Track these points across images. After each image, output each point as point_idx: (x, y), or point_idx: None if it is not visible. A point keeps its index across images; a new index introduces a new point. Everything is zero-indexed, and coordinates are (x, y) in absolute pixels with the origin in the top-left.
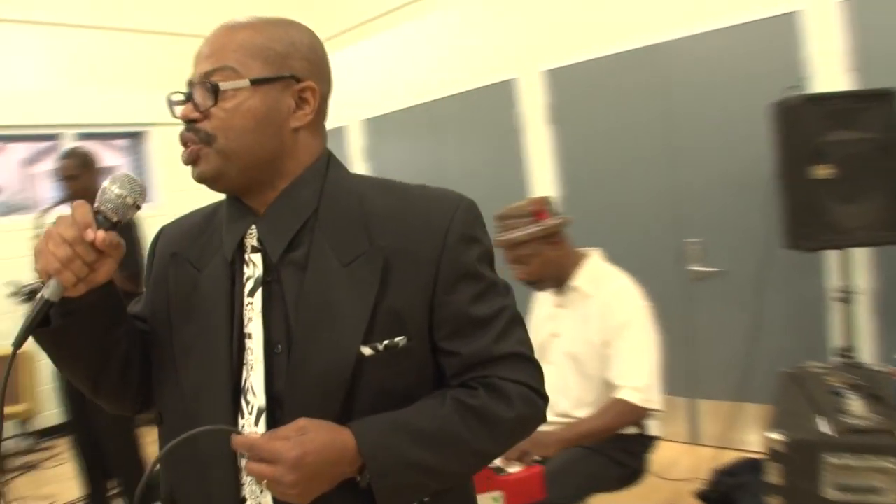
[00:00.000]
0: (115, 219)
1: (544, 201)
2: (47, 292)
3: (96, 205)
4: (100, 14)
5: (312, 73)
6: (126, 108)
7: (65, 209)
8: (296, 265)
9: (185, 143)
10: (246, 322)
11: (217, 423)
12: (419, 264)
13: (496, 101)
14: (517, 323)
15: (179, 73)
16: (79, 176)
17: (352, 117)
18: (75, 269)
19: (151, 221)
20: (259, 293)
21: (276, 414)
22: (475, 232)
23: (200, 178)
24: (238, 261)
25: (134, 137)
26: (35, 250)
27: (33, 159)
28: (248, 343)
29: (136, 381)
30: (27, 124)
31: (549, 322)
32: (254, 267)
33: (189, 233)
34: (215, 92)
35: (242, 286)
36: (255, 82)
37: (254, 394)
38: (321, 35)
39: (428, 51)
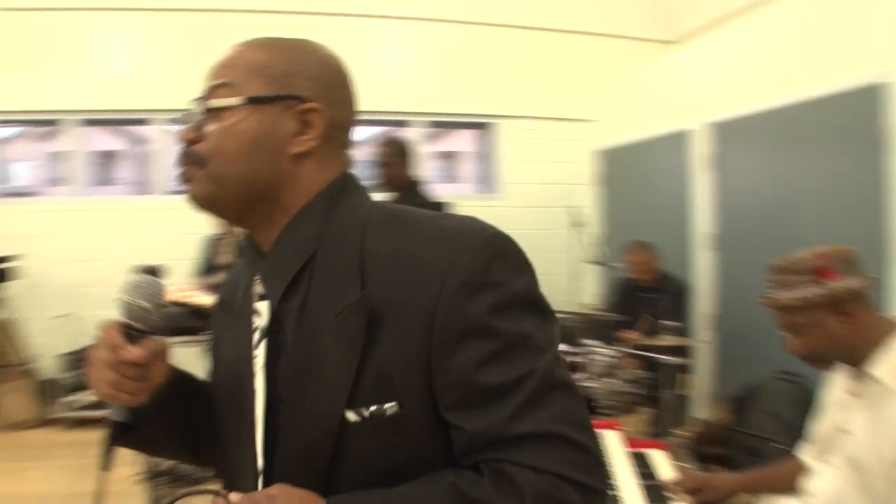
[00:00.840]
0: (143, 328)
1: (836, 255)
2: (112, 415)
3: (124, 319)
4: (457, 8)
5: (321, 95)
6: (475, 99)
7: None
8: (295, 314)
9: (180, 164)
10: (254, 376)
11: (246, 482)
12: (410, 317)
13: (857, 108)
14: (555, 391)
15: (529, 66)
16: (393, 164)
17: (696, 120)
18: (126, 388)
19: (496, 213)
20: (263, 345)
21: (270, 475)
22: (489, 275)
23: (192, 202)
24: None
25: (482, 128)
26: (88, 376)
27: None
28: (255, 400)
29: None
30: (379, 110)
31: (838, 410)
32: (259, 316)
33: (235, 280)
34: (206, 109)
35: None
36: (252, 101)
37: (258, 455)
38: (663, 32)
39: (786, 46)
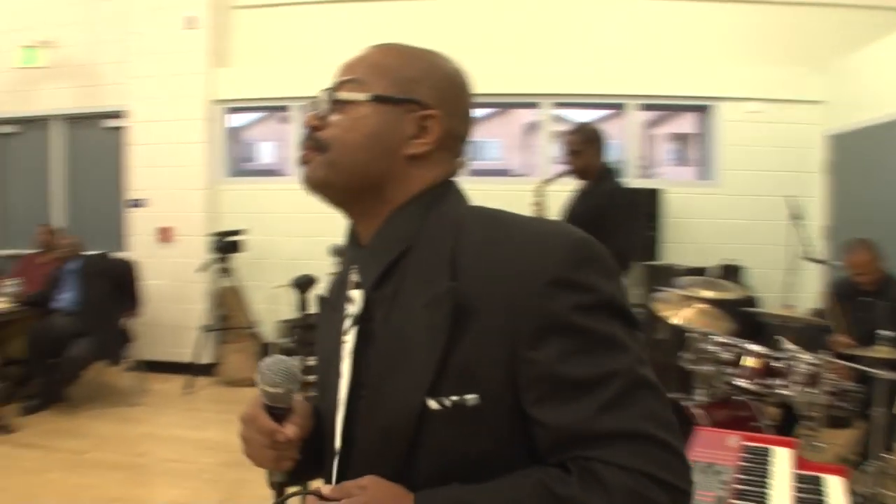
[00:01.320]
0: (286, 406)
1: None
2: (277, 478)
3: (264, 401)
4: None
5: (441, 104)
6: (694, 80)
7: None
8: (386, 302)
9: (302, 147)
10: (341, 360)
11: (329, 456)
12: (497, 311)
13: None
14: (642, 390)
15: (752, 43)
16: (581, 152)
17: None
18: (288, 457)
19: (710, 200)
20: (353, 332)
21: (347, 460)
22: (579, 276)
23: (305, 183)
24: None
25: (700, 111)
26: (246, 453)
27: (653, 123)
28: (341, 383)
29: None
30: (595, 93)
31: None
32: (353, 304)
33: (339, 278)
34: (333, 100)
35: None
36: (376, 98)
37: (336, 436)
38: None
39: None
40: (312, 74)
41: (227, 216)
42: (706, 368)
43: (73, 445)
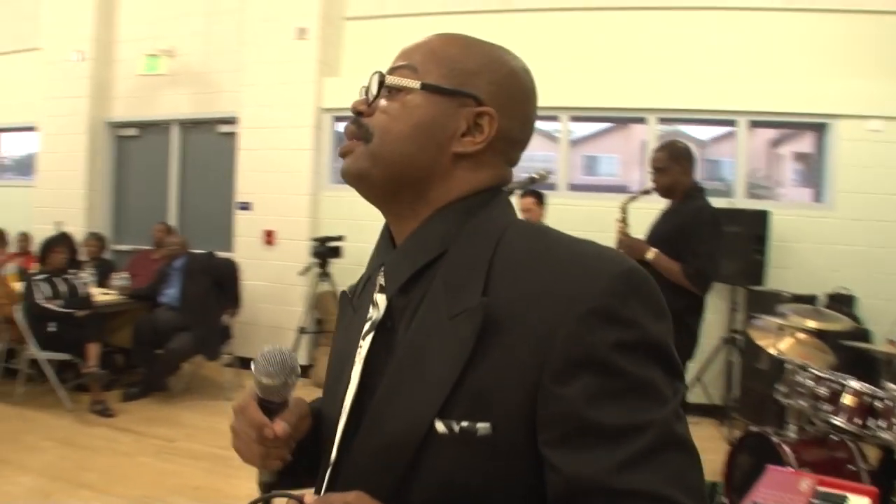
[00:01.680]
0: (280, 400)
1: None
2: (264, 477)
3: (257, 393)
4: None
5: (498, 102)
6: (808, 97)
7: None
8: (410, 309)
9: (346, 134)
10: (352, 366)
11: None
12: (528, 335)
13: None
14: (672, 450)
15: (875, 56)
16: (667, 169)
17: None
18: (275, 455)
19: (822, 223)
20: (370, 337)
21: (340, 471)
22: (624, 309)
23: (345, 174)
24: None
25: (817, 129)
26: (234, 446)
27: (777, 141)
28: (348, 390)
29: None
30: (705, 108)
31: None
32: (375, 309)
33: (363, 276)
34: (381, 84)
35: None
36: (428, 87)
37: (334, 446)
38: None
39: None
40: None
41: (328, 222)
42: (801, 403)
43: (165, 433)
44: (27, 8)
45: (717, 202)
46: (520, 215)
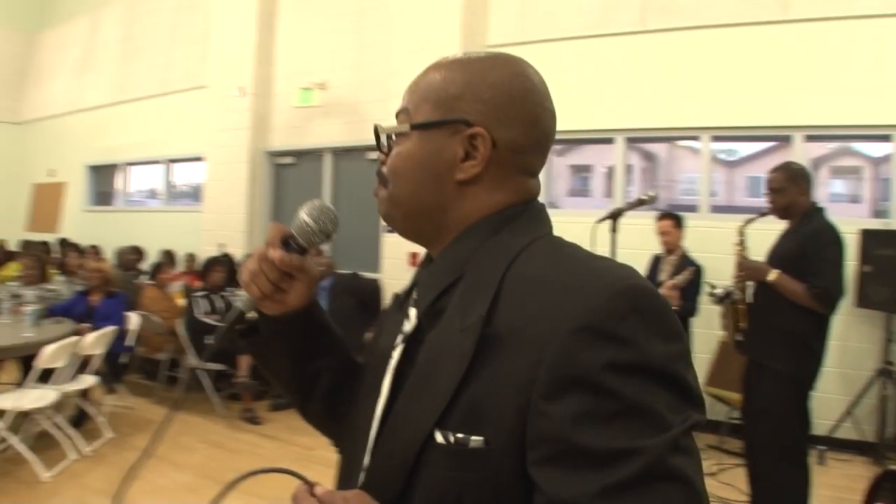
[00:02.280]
0: (302, 244)
1: None
2: (239, 302)
3: (292, 230)
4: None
5: (488, 118)
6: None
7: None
8: (434, 324)
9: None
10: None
11: (351, 471)
12: (523, 351)
13: None
14: (664, 483)
15: None
16: (784, 190)
17: None
18: (259, 283)
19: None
20: (399, 349)
21: (370, 475)
22: (622, 327)
23: (382, 217)
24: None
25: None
26: (244, 265)
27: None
28: (378, 400)
29: (342, 415)
30: (864, 124)
31: None
32: (408, 321)
33: (409, 285)
34: (377, 137)
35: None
36: (416, 126)
37: (366, 452)
38: None
39: None
40: (567, 109)
41: None
42: None
43: (306, 442)
44: (196, 51)
45: (873, 224)
46: (657, 238)
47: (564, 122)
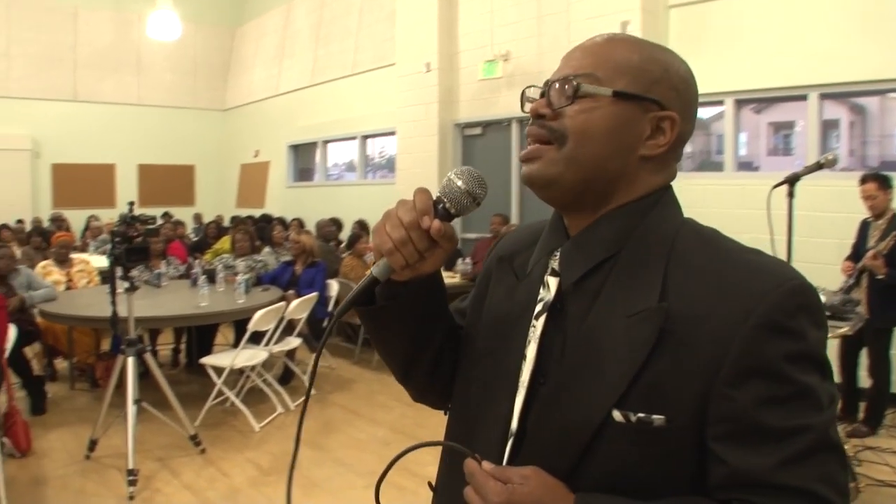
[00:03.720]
0: (453, 210)
1: None
2: (376, 270)
3: (437, 194)
4: None
5: (678, 106)
6: None
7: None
8: (584, 300)
9: (532, 138)
10: (526, 343)
11: (490, 435)
12: (704, 342)
13: None
14: (826, 452)
15: None
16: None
17: None
18: (406, 252)
19: None
20: (543, 318)
21: (519, 446)
22: (793, 322)
23: (530, 180)
24: (540, 280)
25: None
26: (374, 228)
27: None
28: (522, 365)
29: (445, 379)
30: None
31: None
32: (547, 290)
33: (521, 241)
34: (575, 91)
35: (535, 306)
36: (618, 94)
37: (513, 417)
38: None
39: None
40: (747, 67)
41: None
42: None
43: None
44: (383, 31)
45: None
46: (862, 202)
47: (757, 79)
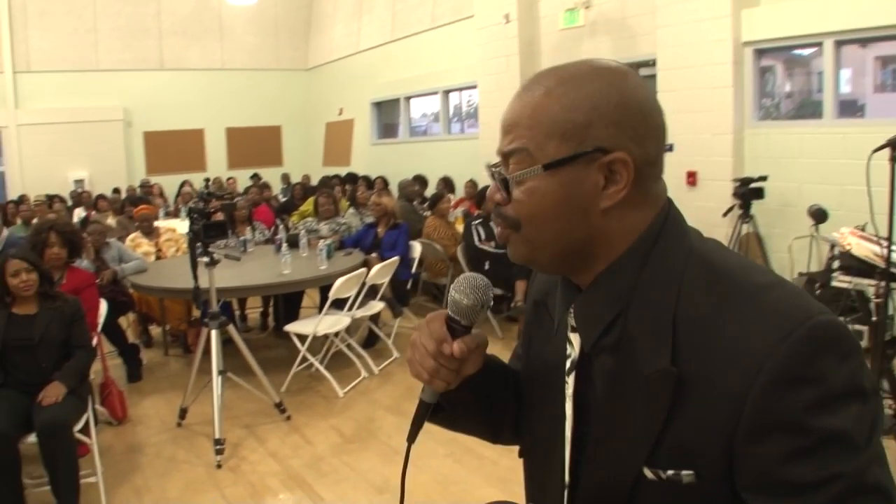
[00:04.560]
0: (466, 324)
1: None
2: (424, 396)
3: (449, 313)
4: None
5: (624, 139)
6: None
7: None
8: (606, 355)
9: (495, 223)
10: (565, 398)
11: (552, 484)
12: (718, 399)
13: None
14: (862, 497)
15: None
16: None
17: None
18: (442, 376)
19: None
20: (573, 376)
21: (574, 496)
22: (810, 370)
23: (513, 260)
24: (566, 335)
25: None
26: (407, 358)
27: None
28: (565, 420)
29: (521, 426)
30: None
31: None
32: (571, 347)
33: (548, 280)
34: (505, 184)
35: (565, 362)
36: (549, 167)
37: (565, 470)
38: None
39: None
40: (845, 6)
41: (752, 161)
42: None
43: None
44: None
45: None
46: None
47: (859, 17)
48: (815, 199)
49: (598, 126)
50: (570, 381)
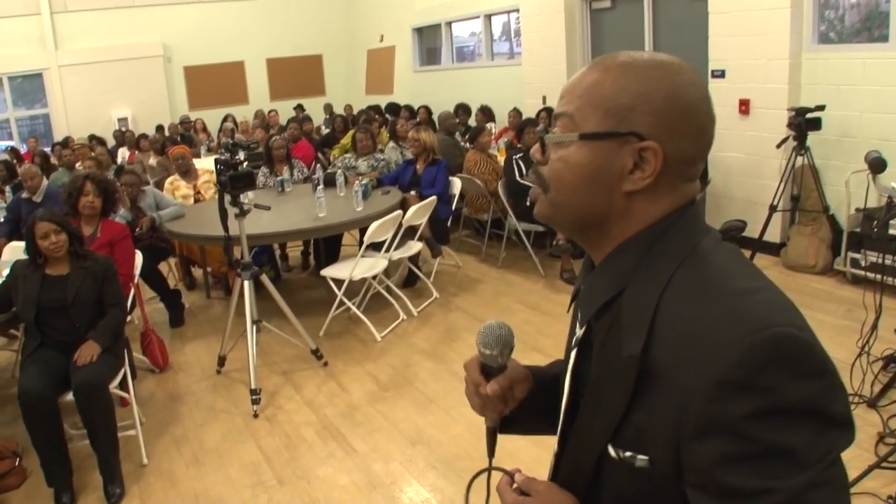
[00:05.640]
0: (496, 366)
1: None
2: (488, 423)
3: (480, 360)
4: None
5: (661, 131)
6: None
7: None
8: (601, 336)
9: (531, 181)
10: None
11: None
12: (676, 391)
13: None
14: None
15: None
16: None
17: None
18: (492, 409)
19: None
20: (574, 353)
21: (558, 469)
22: (760, 379)
23: (536, 217)
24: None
25: None
26: (465, 393)
27: None
28: (564, 395)
29: None
30: None
31: None
32: (578, 326)
33: (584, 268)
34: (543, 145)
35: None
36: (585, 137)
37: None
38: None
39: None
40: None
41: (809, 88)
42: None
43: None
44: None
45: None
46: None
47: None
48: (877, 130)
49: (640, 112)
50: (572, 357)
